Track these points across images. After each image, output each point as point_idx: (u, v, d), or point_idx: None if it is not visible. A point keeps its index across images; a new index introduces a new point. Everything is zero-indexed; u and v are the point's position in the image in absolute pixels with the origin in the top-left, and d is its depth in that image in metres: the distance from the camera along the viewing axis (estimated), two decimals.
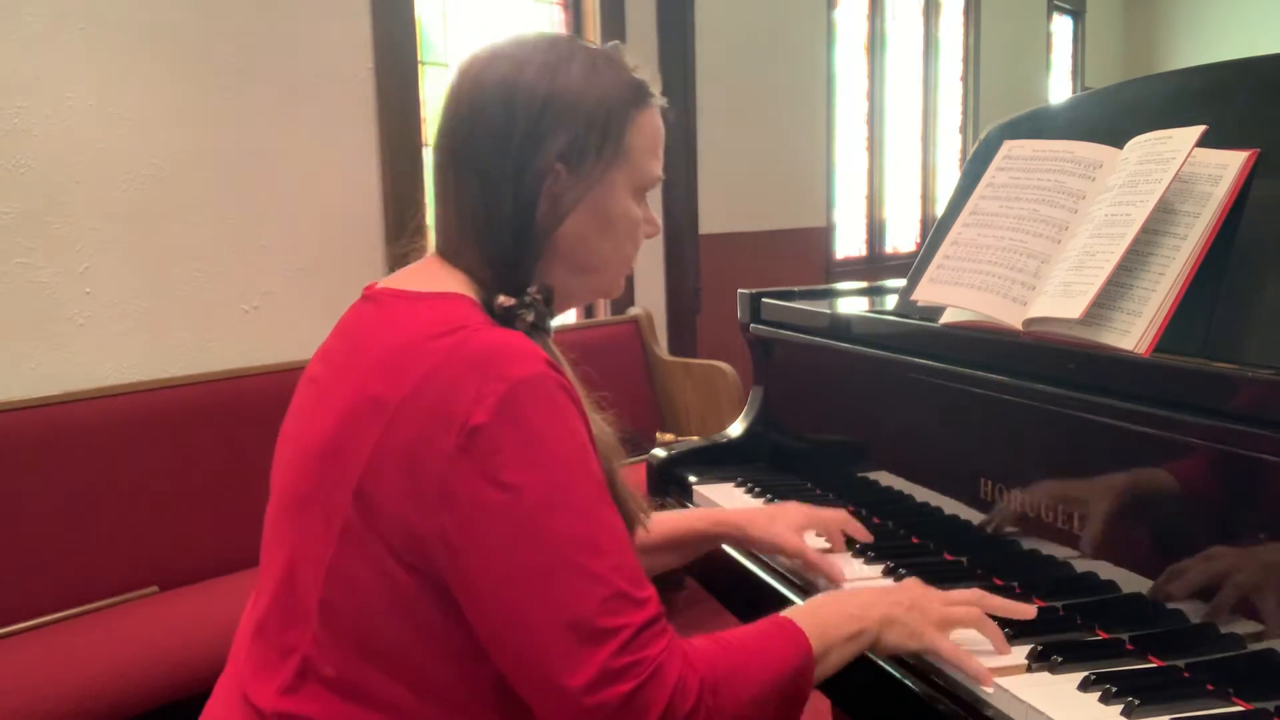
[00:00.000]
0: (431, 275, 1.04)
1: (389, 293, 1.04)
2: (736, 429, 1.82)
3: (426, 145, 3.20)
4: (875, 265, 5.51)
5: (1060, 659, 1.00)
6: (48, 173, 2.41)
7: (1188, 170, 1.13)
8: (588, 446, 0.94)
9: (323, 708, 0.94)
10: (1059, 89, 7.49)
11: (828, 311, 1.65)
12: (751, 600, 1.42)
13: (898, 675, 1.06)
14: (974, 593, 1.10)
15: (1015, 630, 1.06)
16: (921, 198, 6.10)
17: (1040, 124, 1.46)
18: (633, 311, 3.65)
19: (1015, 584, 1.19)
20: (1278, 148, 1.11)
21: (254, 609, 1.04)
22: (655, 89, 1.09)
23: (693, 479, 1.72)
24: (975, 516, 1.28)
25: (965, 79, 6.34)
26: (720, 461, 1.77)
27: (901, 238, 5.92)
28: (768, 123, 4.59)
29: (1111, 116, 1.36)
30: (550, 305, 1.04)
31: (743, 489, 1.65)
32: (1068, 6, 7.52)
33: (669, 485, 1.74)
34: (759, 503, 1.59)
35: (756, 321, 1.80)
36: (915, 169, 6.05)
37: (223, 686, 1.06)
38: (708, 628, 1.00)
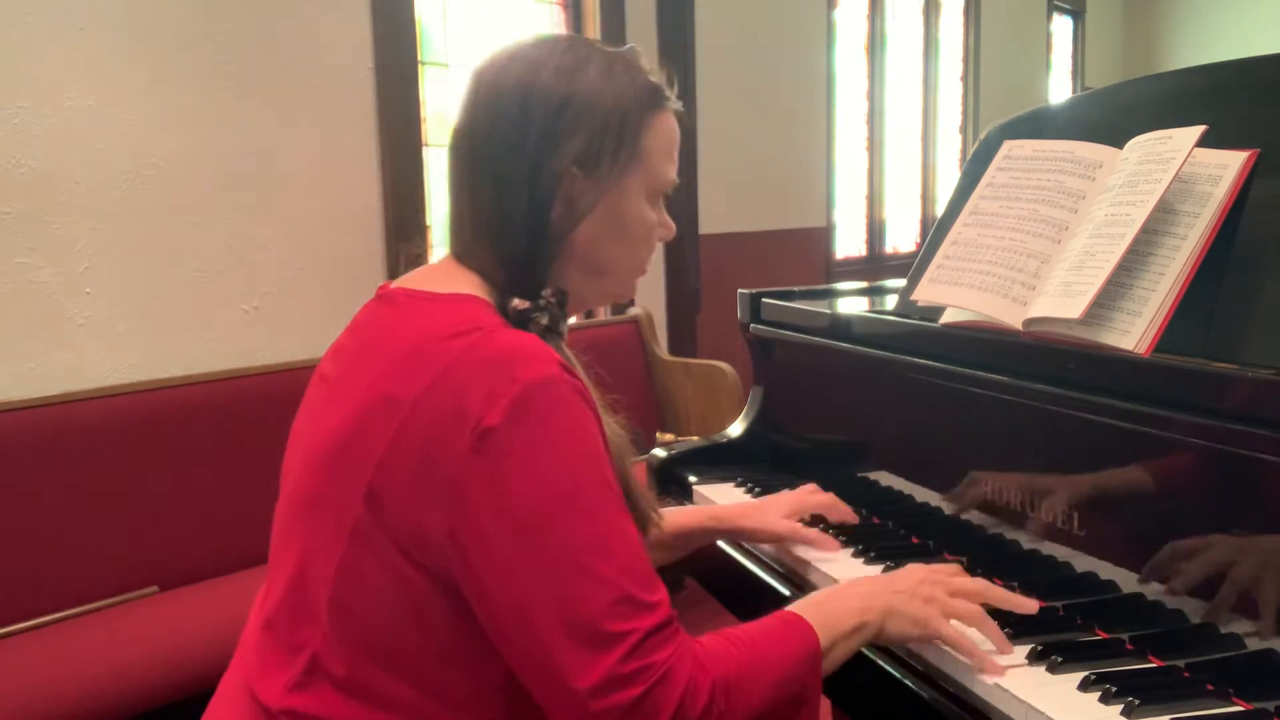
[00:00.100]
0: (446, 276, 1.04)
1: (403, 292, 1.04)
2: (736, 429, 1.82)
3: (426, 145, 3.20)
4: (875, 265, 5.51)
5: (1060, 659, 1.00)
6: (48, 173, 2.41)
7: (1188, 170, 1.13)
8: (600, 450, 0.94)
9: (330, 706, 0.94)
10: (1059, 89, 7.49)
11: (828, 311, 1.65)
12: (751, 599, 1.42)
13: (897, 675, 1.06)
14: (979, 582, 1.10)
15: (1015, 630, 1.06)
16: (921, 198, 6.10)
17: (1040, 124, 1.46)
18: (633, 311, 3.65)
19: (1015, 584, 1.19)
20: (1278, 148, 1.11)
21: (263, 606, 1.04)
22: (671, 92, 1.09)
23: (693, 479, 1.72)
24: (975, 516, 1.28)
25: (965, 79, 6.34)
26: (720, 461, 1.77)
27: (901, 238, 5.92)
28: (768, 123, 4.59)
29: (1111, 116, 1.36)
30: (564, 308, 1.04)
31: (743, 489, 1.65)
32: (1068, 6, 7.52)
33: (669, 485, 1.74)
34: None
35: (756, 321, 1.80)
36: (915, 169, 6.05)
37: (228, 683, 1.06)
38: (708, 628, 1.00)
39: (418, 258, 1.11)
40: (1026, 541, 1.20)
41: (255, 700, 0.98)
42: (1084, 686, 0.96)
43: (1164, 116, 1.21)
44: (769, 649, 0.96)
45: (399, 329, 0.99)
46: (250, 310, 2.79)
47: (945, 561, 1.30)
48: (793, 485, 1.64)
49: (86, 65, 2.47)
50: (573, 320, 1.11)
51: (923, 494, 1.39)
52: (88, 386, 2.45)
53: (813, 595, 1.09)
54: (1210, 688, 0.95)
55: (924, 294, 1.35)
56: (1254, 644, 0.94)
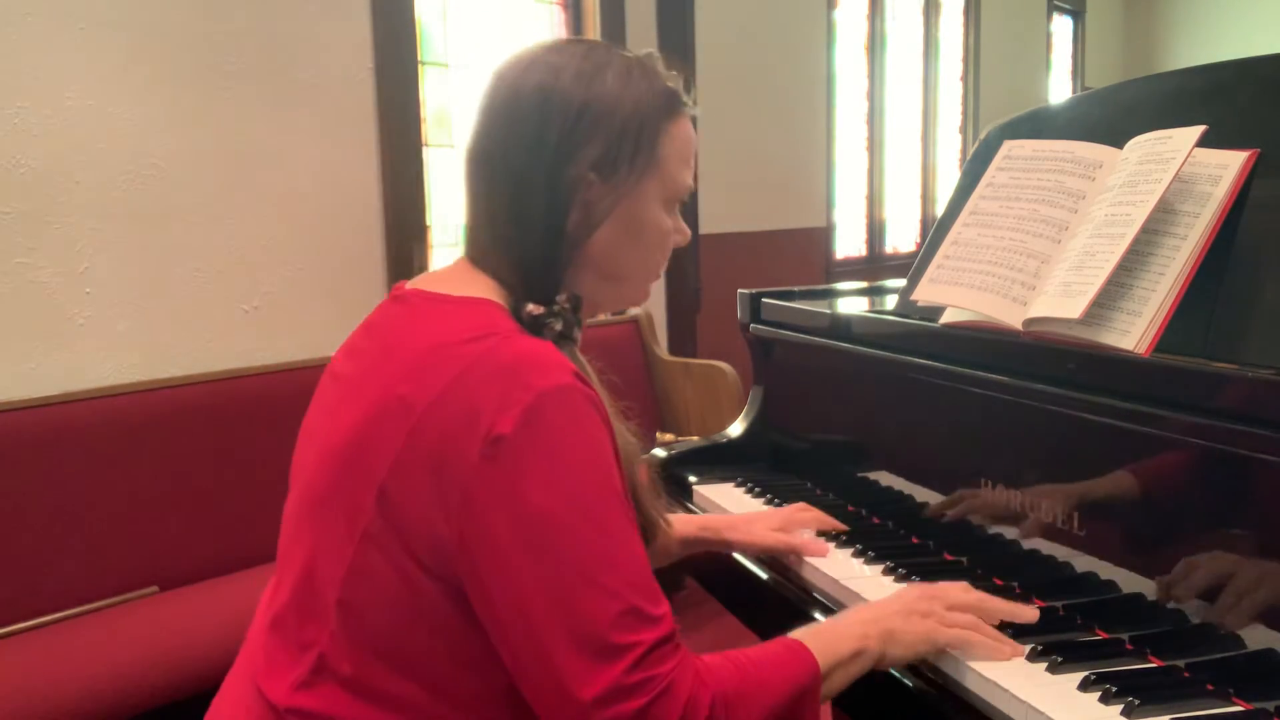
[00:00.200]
0: (461, 279, 1.04)
1: (419, 294, 1.04)
2: (736, 429, 1.82)
3: (426, 145, 3.20)
4: (875, 265, 5.51)
5: (1060, 659, 1.00)
6: (48, 173, 2.41)
7: (1188, 170, 1.13)
8: (610, 460, 0.94)
9: (337, 705, 0.94)
10: (1059, 89, 7.49)
11: (828, 311, 1.65)
12: (751, 600, 1.42)
13: (897, 675, 1.06)
14: (975, 596, 1.10)
15: (1016, 631, 1.06)
16: (921, 198, 6.10)
17: (1040, 124, 1.46)
18: (633, 312, 3.65)
19: (1015, 584, 1.19)
20: (1278, 148, 1.11)
21: (271, 603, 1.04)
22: (688, 97, 1.09)
23: (693, 479, 1.72)
24: (975, 516, 1.28)
25: (965, 79, 6.34)
26: (720, 461, 1.77)
27: (901, 238, 5.92)
28: (768, 123, 4.59)
29: (1111, 116, 1.36)
30: (578, 313, 1.04)
31: (743, 489, 1.65)
32: (1068, 6, 7.52)
33: (669, 485, 1.74)
34: (759, 503, 1.59)
35: (756, 321, 1.80)
36: (915, 169, 6.05)
37: (234, 680, 1.06)
38: (708, 628, 1.00)
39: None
40: (1026, 542, 1.20)
41: (262, 698, 0.98)
42: (1084, 686, 0.96)
43: (1164, 116, 1.21)
44: (770, 671, 0.96)
45: (414, 331, 0.99)
46: (250, 310, 2.79)
47: (945, 562, 1.31)
48: (793, 485, 1.64)
49: (86, 65, 2.47)
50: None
51: (923, 494, 1.39)
52: (88, 386, 2.45)
53: (814, 624, 1.09)
54: (1210, 688, 0.95)
55: (924, 294, 1.35)
56: (1254, 644, 0.94)
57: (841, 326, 1.58)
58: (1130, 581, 1.07)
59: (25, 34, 2.37)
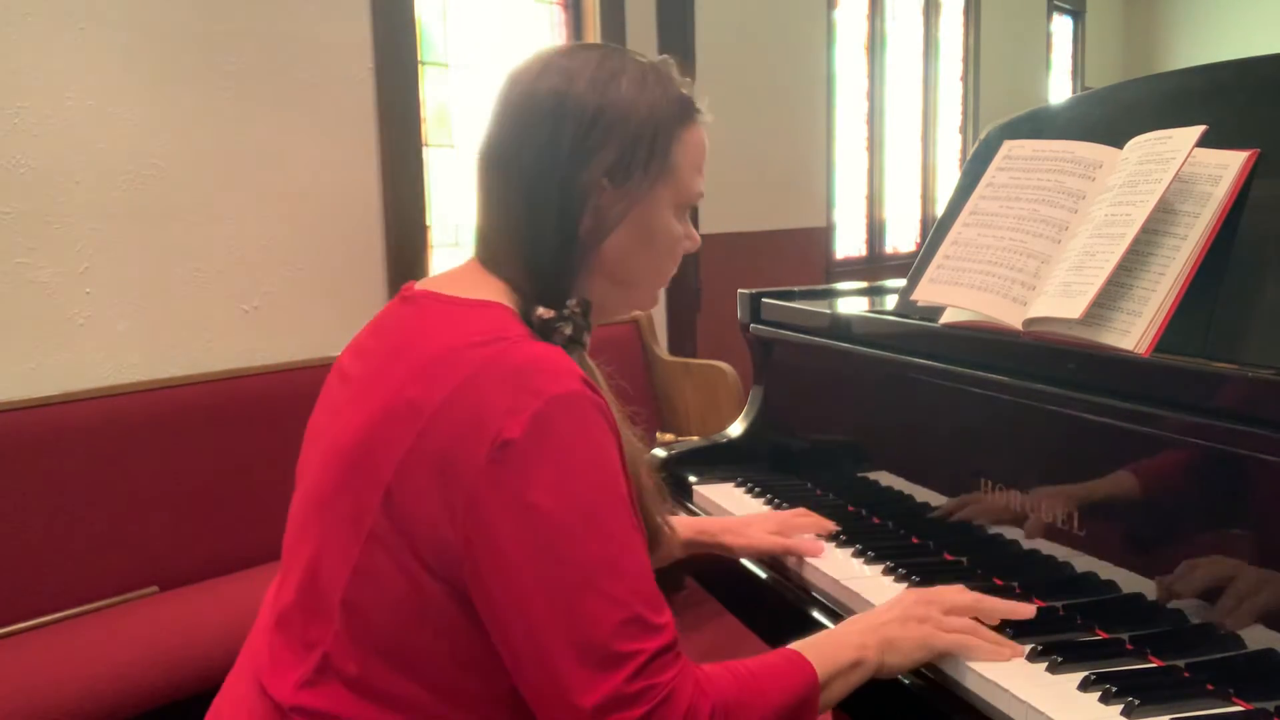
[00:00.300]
0: (472, 281, 1.04)
1: (429, 295, 1.04)
2: (736, 429, 1.82)
3: (426, 145, 3.20)
4: (875, 265, 5.51)
5: (1060, 659, 1.00)
6: (48, 173, 2.41)
7: (1188, 170, 1.13)
8: (617, 468, 0.94)
9: (341, 704, 0.95)
10: (1059, 89, 7.49)
11: (828, 311, 1.65)
12: (750, 599, 1.42)
13: (897, 674, 1.06)
14: (971, 597, 1.10)
15: (1015, 630, 1.06)
16: (921, 198, 6.10)
17: (1040, 124, 1.46)
18: (633, 312, 3.65)
19: (1015, 584, 1.19)
20: (1278, 148, 1.11)
21: (276, 601, 1.04)
22: (702, 104, 1.10)
23: (693, 479, 1.72)
24: (975, 516, 1.28)
25: (965, 79, 6.34)
26: (720, 461, 1.77)
27: (901, 238, 5.92)
28: (768, 123, 4.59)
29: (1111, 116, 1.36)
30: (588, 318, 1.05)
31: (743, 489, 1.65)
32: (1068, 6, 7.52)
33: (669, 485, 1.74)
34: (759, 503, 1.59)
35: (756, 321, 1.80)
36: (915, 169, 6.04)
37: (237, 677, 1.06)
38: (708, 628, 1.00)
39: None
40: (1026, 542, 1.20)
41: (266, 696, 0.98)
42: (1084, 686, 0.96)
43: (1164, 116, 1.21)
44: (768, 682, 0.96)
45: (424, 333, 1.00)
46: (250, 310, 2.79)
47: (945, 562, 1.31)
48: (793, 485, 1.64)
49: (86, 65, 2.47)
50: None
51: (923, 494, 1.39)
52: (88, 386, 2.45)
53: (813, 635, 1.09)
54: (1210, 688, 0.95)
55: (924, 294, 1.35)
56: (1254, 644, 0.94)
57: (841, 326, 1.58)
58: (1130, 581, 1.07)
59: (25, 34, 2.37)
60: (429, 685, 0.95)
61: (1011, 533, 1.22)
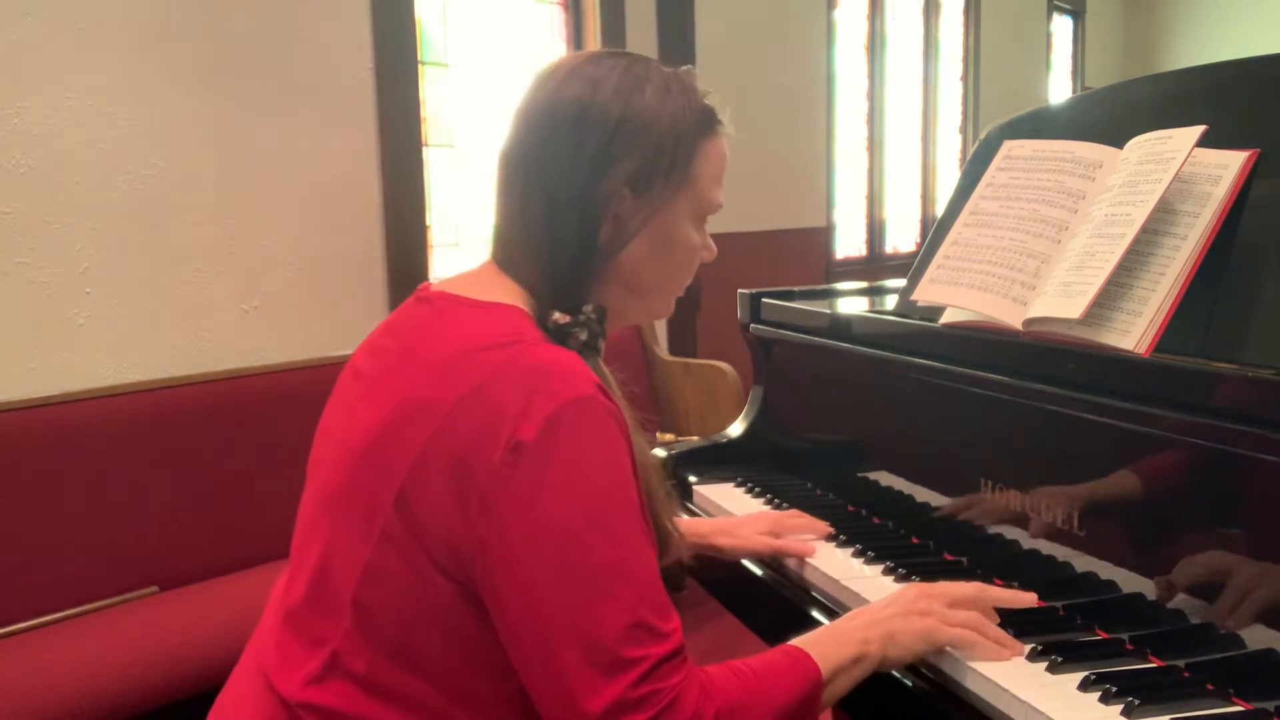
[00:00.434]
0: (489, 284, 1.04)
1: (445, 297, 1.04)
2: (736, 429, 1.82)
3: (426, 145, 3.20)
4: (875, 265, 5.51)
5: (1060, 659, 1.00)
6: (48, 173, 2.41)
7: (1188, 170, 1.13)
8: (628, 474, 0.95)
9: (348, 701, 0.95)
10: (1059, 89, 7.49)
11: (828, 311, 1.65)
12: (750, 599, 1.42)
13: (897, 675, 1.06)
14: (973, 587, 1.10)
15: (1015, 631, 1.06)
16: (921, 198, 6.10)
17: (1040, 124, 1.46)
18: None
19: (1015, 584, 1.19)
20: (1278, 148, 1.11)
21: (285, 597, 1.04)
22: (724, 116, 1.10)
23: (693, 479, 1.72)
24: (975, 516, 1.28)
25: (965, 79, 6.34)
26: (720, 461, 1.77)
27: (901, 238, 5.92)
28: (767, 123, 4.59)
29: (1111, 116, 1.36)
30: (603, 324, 1.05)
31: (743, 489, 1.65)
32: (1068, 6, 7.52)
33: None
34: (759, 503, 1.59)
35: (756, 321, 1.80)
36: (915, 169, 6.05)
37: (242, 672, 1.06)
38: (708, 628, 1.00)
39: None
40: (1026, 542, 1.20)
41: (272, 691, 0.98)
42: (1084, 686, 0.96)
43: (1164, 116, 1.21)
44: (772, 680, 0.97)
45: (440, 334, 1.00)
46: (250, 310, 2.79)
47: (945, 562, 1.31)
48: (793, 485, 1.64)
49: (86, 65, 2.47)
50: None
51: (923, 494, 1.39)
52: (88, 386, 2.45)
53: (815, 630, 1.09)
54: (1210, 688, 0.95)
55: (924, 294, 1.35)
56: (1254, 644, 0.94)
57: (841, 326, 1.58)
58: (1130, 581, 1.07)
59: (25, 34, 2.37)
60: (437, 685, 0.95)
61: (1011, 532, 1.22)
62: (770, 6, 4.61)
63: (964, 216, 1.35)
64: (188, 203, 2.65)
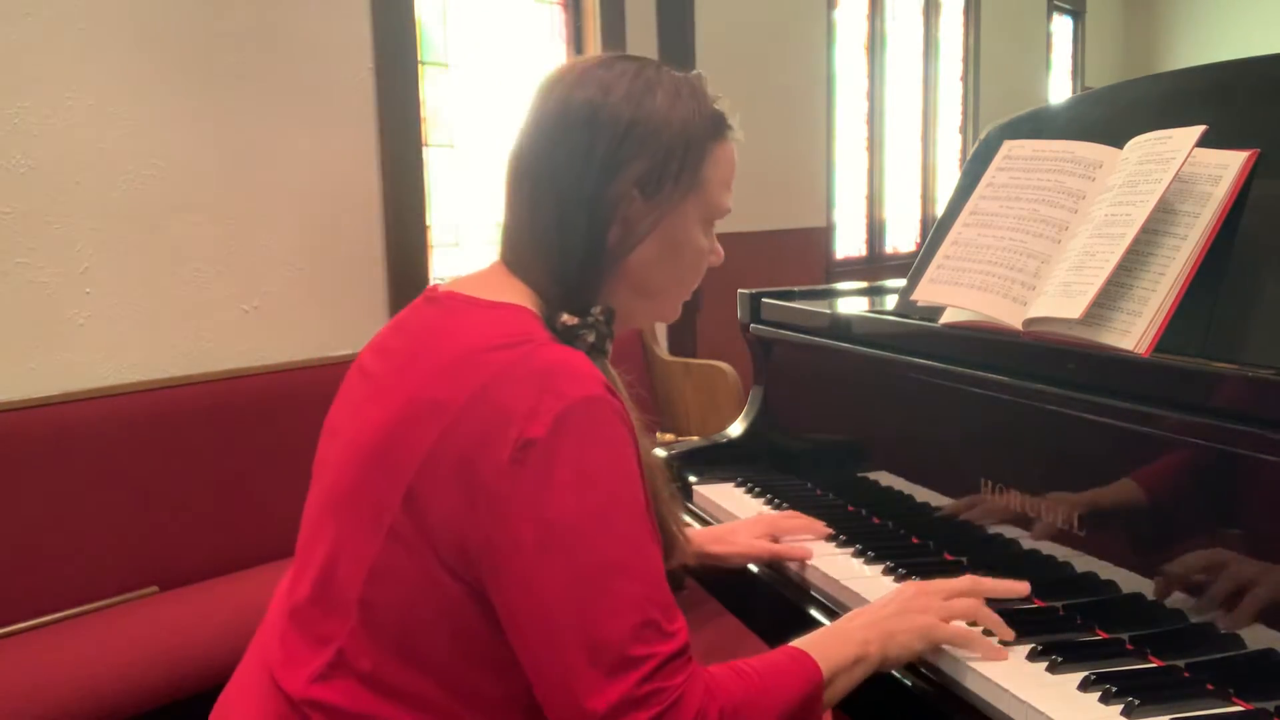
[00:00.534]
0: (498, 284, 1.05)
1: (454, 297, 1.04)
2: (736, 429, 1.82)
3: (426, 145, 3.20)
4: (875, 265, 5.51)
5: (1060, 659, 1.00)
6: (48, 173, 2.41)
7: (1188, 170, 1.13)
8: (635, 474, 0.95)
9: (353, 699, 0.95)
10: (1059, 89, 7.49)
11: (828, 311, 1.65)
12: (750, 599, 1.42)
13: (897, 675, 1.06)
14: (967, 579, 1.11)
15: (1016, 631, 1.06)
16: (921, 198, 6.10)
17: (1040, 124, 1.46)
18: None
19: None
20: (1278, 148, 1.11)
21: (290, 595, 1.04)
22: (734, 120, 1.11)
23: (693, 479, 1.72)
24: (975, 516, 1.28)
25: (965, 79, 6.33)
26: (720, 461, 1.77)
27: (901, 238, 5.92)
28: (767, 123, 4.58)
29: (1111, 116, 1.36)
30: (611, 326, 1.05)
31: (743, 489, 1.65)
32: (1068, 6, 7.52)
33: None
34: (759, 503, 1.59)
35: (756, 321, 1.80)
36: (915, 169, 6.04)
37: (246, 670, 1.07)
38: (708, 628, 1.00)
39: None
40: (1027, 542, 1.20)
41: (277, 688, 0.99)
42: (1084, 686, 0.96)
43: (1164, 116, 1.21)
44: (774, 681, 0.97)
45: (448, 334, 1.00)
46: (250, 310, 2.79)
47: (945, 562, 1.31)
48: (793, 485, 1.64)
49: (86, 65, 2.46)
50: None
51: (923, 494, 1.39)
52: (88, 386, 2.44)
53: (816, 631, 1.10)
54: (1210, 688, 0.95)
55: (924, 294, 1.35)
56: (1254, 644, 0.94)
57: (841, 326, 1.58)
58: (1130, 581, 1.07)
59: (25, 34, 2.36)
60: (443, 683, 0.95)
61: (1011, 533, 1.22)
62: (770, 6, 4.61)
63: (964, 216, 1.36)
64: (188, 203, 2.65)
